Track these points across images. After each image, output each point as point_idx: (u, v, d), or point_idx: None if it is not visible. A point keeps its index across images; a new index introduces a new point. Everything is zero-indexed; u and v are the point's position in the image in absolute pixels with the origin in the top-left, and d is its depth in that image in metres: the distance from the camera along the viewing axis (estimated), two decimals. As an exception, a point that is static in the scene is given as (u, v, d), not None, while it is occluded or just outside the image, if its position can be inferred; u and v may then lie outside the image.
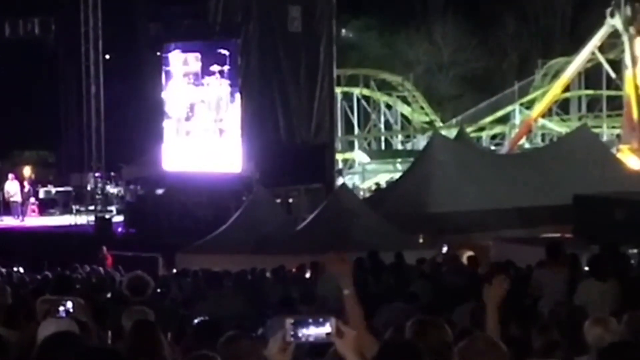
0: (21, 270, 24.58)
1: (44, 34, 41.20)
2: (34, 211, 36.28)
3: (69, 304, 7.20)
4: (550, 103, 48.17)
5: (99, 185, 36.57)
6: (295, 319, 4.17)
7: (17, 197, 35.72)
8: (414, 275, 16.17)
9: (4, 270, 23.19)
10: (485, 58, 59.28)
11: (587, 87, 50.47)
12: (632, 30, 41.01)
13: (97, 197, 36.40)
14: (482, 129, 51.47)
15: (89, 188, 36.47)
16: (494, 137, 52.44)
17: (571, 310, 9.11)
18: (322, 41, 35.44)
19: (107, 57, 36.73)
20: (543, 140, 49.45)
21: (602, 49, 44.81)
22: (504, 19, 58.93)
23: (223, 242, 27.35)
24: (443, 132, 42.59)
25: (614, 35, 42.73)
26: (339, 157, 44.33)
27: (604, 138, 45.29)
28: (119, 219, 34.35)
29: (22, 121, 39.20)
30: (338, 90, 43.80)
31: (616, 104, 46.80)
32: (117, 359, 5.08)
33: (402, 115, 52.71)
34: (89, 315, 7.78)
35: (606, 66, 46.17)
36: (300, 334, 4.14)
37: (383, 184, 42.11)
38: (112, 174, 37.00)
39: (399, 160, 46.51)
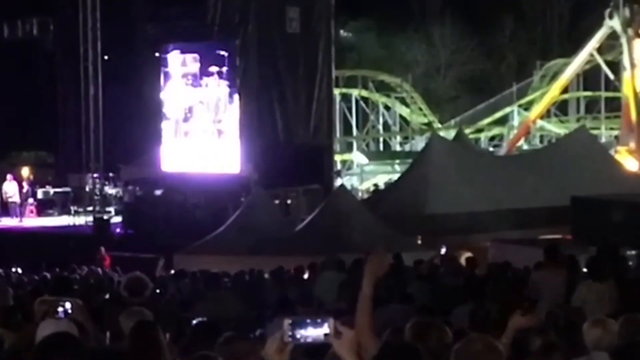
0: (19, 270, 24.56)
1: (43, 35, 41.17)
2: (32, 212, 36.25)
3: (68, 305, 7.20)
4: (548, 104, 48.22)
5: (98, 186, 36.55)
6: (293, 319, 4.18)
7: (16, 198, 35.70)
8: (412, 277, 16.17)
9: (2, 271, 23.17)
10: (484, 59, 59.32)
11: (585, 89, 50.53)
12: (630, 31, 41.04)
13: (96, 197, 36.38)
14: (480, 130, 51.50)
15: (87, 189, 36.46)
16: (492, 138, 52.49)
17: (569, 311, 9.12)
18: (321, 42, 35.47)
19: (106, 57, 36.72)
20: (541, 141, 49.49)
21: (600, 50, 44.85)
22: (503, 20, 58.99)
23: (221, 243, 27.34)
24: (441, 134, 42.62)
25: (613, 36, 42.76)
26: (338, 158, 44.35)
27: (602, 139, 45.35)
28: (117, 219, 34.34)
29: (20, 122, 39.20)
30: (336, 92, 43.83)
31: (614, 106, 46.83)
32: None
33: (401, 116, 52.73)
34: (87, 316, 7.78)
35: (604, 68, 46.20)
36: (298, 335, 4.15)
37: (381, 185, 42.12)
38: (111, 174, 36.96)
39: (397, 161, 46.52)
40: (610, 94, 48.07)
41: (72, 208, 36.15)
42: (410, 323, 6.20)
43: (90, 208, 35.94)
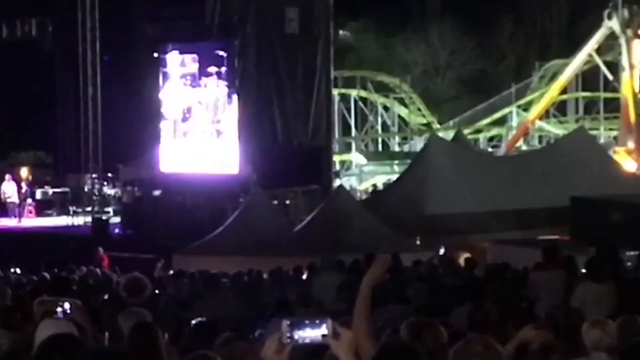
0: (18, 271, 24.54)
1: (42, 35, 41.18)
2: (31, 212, 36.25)
3: (67, 306, 7.21)
4: (547, 105, 48.22)
5: (96, 186, 36.57)
6: (291, 320, 4.18)
7: (14, 198, 35.70)
8: (411, 277, 16.16)
9: (0, 271, 23.16)
10: (483, 60, 59.34)
11: (584, 89, 50.55)
12: (629, 32, 41.04)
13: (94, 198, 36.40)
14: (479, 131, 51.52)
15: (86, 189, 36.47)
16: (491, 139, 52.51)
17: (568, 312, 9.11)
18: (320, 43, 35.46)
19: (105, 58, 36.73)
20: (540, 142, 49.52)
21: (599, 51, 44.83)
22: (501, 21, 58.99)
23: (220, 244, 27.33)
24: (440, 134, 42.65)
25: (611, 37, 42.75)
26: (336, 158, 44.35)
27: (601, 140, 45.36)
28: (116, 220, 34.34)
29: (19, 122, 39.21)
30: (335, 92, 43.85)
31: (613, 106, 46.84)
32: None
33: (400, 117, 52.72)
34: (86, 316, 7.78)
35: (603, 68, 46.20)
36: (296, 336, 4.15)
37: (380, 186, 42.09)
38: (109, 175, 36.97)
39: (396, 162, 46.51)
40: (609, 95, 48.08)
41: (71, 208, 36.15)
42: (405, 323, 6.21)
43: (89, 208, 35.96)
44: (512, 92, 51.56)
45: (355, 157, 48.34)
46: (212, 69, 33.67)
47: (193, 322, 8.41)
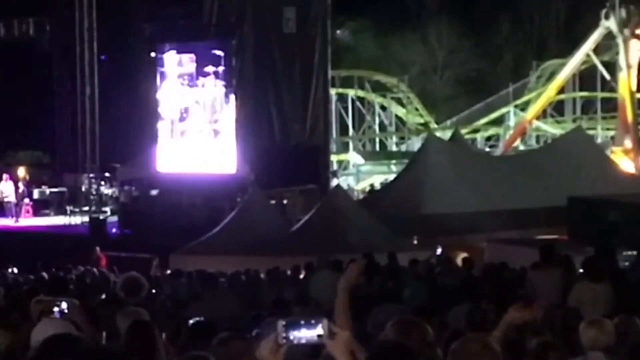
0: (15, 270, 24.55)
1: (39, 35, 41.16)
2: (28, 212, 36.24)
3: (64, 305, 7.19)
4: (544, 105, 48.24)
5: (93, 186, 36.56)
6: (287, 320, 4.18)
7: (12, 198, 35.69)
8: (408, 277, 16.16)
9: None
10: (480, 60, 59.35)
11: (581, 89, 50.55)
12: (626, 32, 41.05)
13: (92, 197, 36.39)
14: (476, 130, 51.52)
15: (83, 189, 36.47)
16: (488, 138, 52.51)
17: (565, 312, 9.11)
18: (317, 42, 35.45)
19: (102, 58, 36.72)
20: (537, 142, 49.52)
21: (596, 51, 44.85)
22: (499, 21, 59.01)
23: (217, 243, 27.33)
24: (438, 134, 42.66)
25: (609, 37, 42.76)
26: (334, 158, 44.33)
27: (599, 140, 45.35)
28: (113, 220, 34.33)
29: (16, 122, 39.16)
30: (333, 92, 43.83)
31: (610, 106, 46.87)
32: None
33: (397, 116, 52.72)
34: (83, 316, 7.77)
35: (601, 68, 46.20)
36: (292, 336, 4.15)
37: (377, 186, 42.10)
38: (107, 174, 36.97)
39: (394, 161, 46.51)
40: (607, 95, 48.08)
41: (68, 208, 36.16)
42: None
43: (86, 208, 35.94)
44: (509, 91, 51.57)
45: (353, 157, 48.33)
46: (210, 69, 33.67)
47: (191, 321, 8.40)
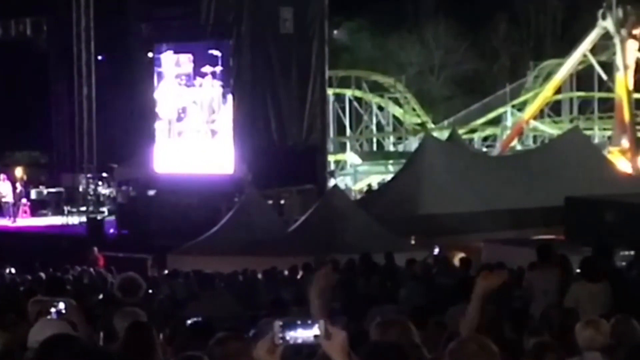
0: (12, 271, 24.53)
1: (36, 35, 41.11)
2: (25, 212, 36.21)
3: (61, 305, 7.19)
4: (541, 105, 48.25)
5: (91, 186, 36.54)
6: (283, 321, 4.18)
7: (9, 198, 35.66)
8: (405, 277, 16.17)
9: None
10: (477, 60, 59.40)
11: (578, 89, 50.58)
12: (623, 32, 41.07)
13: (89, 198, 36.36)
14: (473, 130, 51.55)
15: (80, 189, 36.43)
16: (485, 138, 52.56)
17: (562, 312, 9.13)
18: (314, 42, 35.44)
19: (99, 57, 36.70)
20: (535, 142, 49.56)
21: (593, 51, 44.87)
22: (496, 21, 59.06)
23: (215, 244, 27.34)
24: (435, 134, 42.64)
25: (606, 37, 42.77)
26: (331, 158, 44.34)
27: (596, 140, 45.43)
28: (110, 220, 34.31)
29: (13, 122, 39.13)
30: (330, 92, 43.81)
31: (608, 106, 46.88)
32: None
33: (394, 116, 52.76)
34: (80, 316, 7.77)
35: (598, 68, 46.24)
36: (288, 337, 4.15)
37: (375, 186, 42.12)
38: (104, 175, 36.94)
39: (391, 161, 46.54)
40: (604, 95, 48.12)
41: (66, 208, 36.13)
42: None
43: (84, 208, 35.92)
44: (506, 92, 51.59)
45: (350, 157, 48.35)
46: (207, 69, 33.66)
47: (188, 321, 8.41)
